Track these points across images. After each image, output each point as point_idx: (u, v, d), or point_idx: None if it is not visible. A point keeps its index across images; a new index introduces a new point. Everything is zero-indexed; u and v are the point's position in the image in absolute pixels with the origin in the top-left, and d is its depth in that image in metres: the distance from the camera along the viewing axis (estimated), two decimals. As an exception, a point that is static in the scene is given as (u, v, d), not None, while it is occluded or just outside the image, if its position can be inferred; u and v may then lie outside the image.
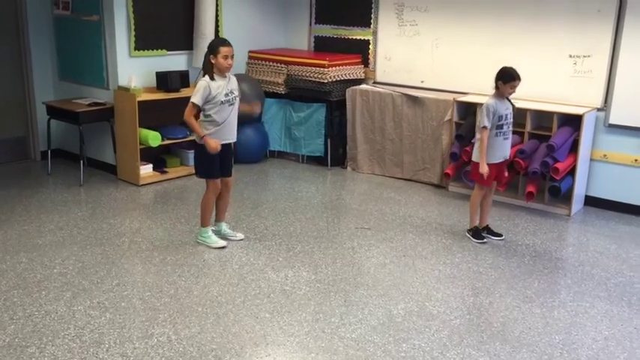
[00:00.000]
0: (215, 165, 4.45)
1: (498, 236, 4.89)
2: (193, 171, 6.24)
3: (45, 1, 6.38)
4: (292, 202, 5.63)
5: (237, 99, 4.44)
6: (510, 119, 4.64)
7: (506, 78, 4.50)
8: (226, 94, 4.34)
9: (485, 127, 4.53)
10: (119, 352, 3.22)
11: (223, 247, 4.53)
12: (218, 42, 4.34)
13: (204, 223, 4.60)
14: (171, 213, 5.25)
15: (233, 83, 4.43)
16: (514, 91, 4.57)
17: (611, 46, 5.35)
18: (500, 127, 4.60)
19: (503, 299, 3.93)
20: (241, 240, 4.71)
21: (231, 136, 4.47)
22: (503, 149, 4.69)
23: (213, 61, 4.27)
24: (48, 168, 6.23)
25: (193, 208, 5.36)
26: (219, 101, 4.30)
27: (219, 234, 4.67)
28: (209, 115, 4.33)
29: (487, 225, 4.92)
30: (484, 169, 4.56)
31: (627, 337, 3.53)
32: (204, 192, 4.56)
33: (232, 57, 4.30)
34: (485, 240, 4.80)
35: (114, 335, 3.38)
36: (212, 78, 4.29)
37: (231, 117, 4.41)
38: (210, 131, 4.36)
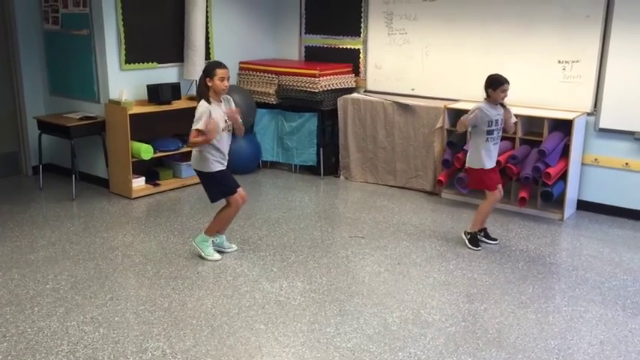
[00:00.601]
0: (230, 179, 4.43)
1: (493, 240, 4.91)
2: (186, 183, 6.33)
3: (35, 16, 6.38)
4: (285, 212, 5.63)
5: (231, 126, 4.41)
6: (501, 125, 4.66)
7: (495, 84, 4.54)
8: (225, 121, 4.32)
9: (471, 126, 4.66)
10: (113, 368, 3.20)
11: (216, 261, 4.51)
12: (214, 65, 4.29)
13: (209, 231, 4.56)
14: (164, 225, 5.23)
15: (226, 105, 4.37)
16: (506, 95, 4.58)
17: (600, 51, 5.40)
18: (491, 132, 4.62)
19: (498, 305, 3.93)
20: (235, 251, 4.70)
21: (228, 159, 4.47)
22: (492, 155, 4.70)
23: (209, 84, 4.24)
24: (40, 183, 6.21)
25: (186, 220, 5.34)
26: (219, 128, 4.27)
27: (217, 245, 4.64)
28: (215, 145, 4.30)
29: (485, 228, 4.94)
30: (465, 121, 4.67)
31: (622, 341, 3.53)
32: (226, 207, 4.50)
33: (228, 79, 4.29)
34: (480, 248, 4.79)
35: (108, 350, 3.36)
36: (209, 102, 4.25)
37: (229, 142, 4.43)
38: (215, 157, 4.34)
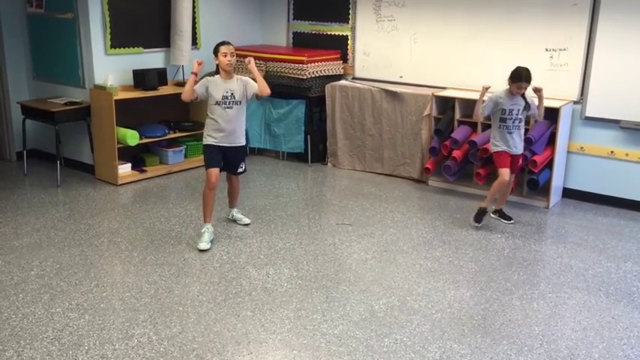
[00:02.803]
0: (212, 157, 4.56)
1: (508, 220, 5.11)
2: (173, 169, 6.29)
3: (17, -1, 6.28)
4: (273, 199, 5.62)
5: (238, 104, 4.51)
6: (517, 115, 4.77)
7: (515, 78, 4.67)
8: (223, 96, 4.47)
9: (483, 114, 4.83)
10: (99, 354, 3.19)
11: (204, 251, 4.46)
12: (218, 43, 4.52)
13: (203, 218, 4.65)
14: (150, 212, 5.20)
15: (238, 84, 4.52)
16: (521, 92, 4.71)
17: (587, 39, 5.41)
18: (504, 120, 4.76)
19: (484, 292, 3.96)
20: (247, 225, 4.93)
21: (233, 140, 4.57)
22: (509, 142, 4.83)
23: (216, 62, 4.50)
24: (24, 169, 6.14)
25: (173, 207, 5.32)
26: (214, 100, 4.46)
27: (231, 218, 4.99)
28: (211, 117, 4.52)
29: (501, 209, 5.14)
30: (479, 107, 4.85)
31: (605, 327, 3.58)
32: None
33: (232, 54, 4.46)
34: (478, 224, 4.96)
35: (93, 337, 3.34)
36: (216, 77, 4.53)
37: (231, 120, 4.51)
38: (208, 130, 4.56)
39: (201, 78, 4.62)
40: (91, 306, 3.66)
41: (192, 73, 4.47)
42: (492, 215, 5.13)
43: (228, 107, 4.48)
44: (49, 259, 4.27)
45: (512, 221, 5.08)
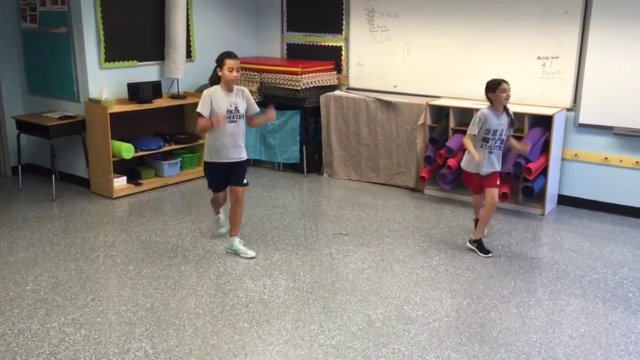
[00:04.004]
0: (215, 179, 4.58)
1: (487, 253, 4.66)
2: (169, 182, 6.29)
3: (12, 15, 6.28)
4: (269, 210, 5.61)
5: (241, 118, 4.40)
6: (500, 136, 4.48)
7: (493, 86, 4.44)
8: (228, 110, 4.32)
9: (470, 134, 4.47)
10: (95, 369, 3.17)
11: (252, 258, 4.53)
12: (225, 54, 4.35)
13: (232, 232, 4.62)
14: (146, 225, 5.19)
15: (239, 97, 4.40)
16: (508, 94, 4.42)
17: (579, 47, 5.45)
18: (486, 140, 4.48)
19: (481, 300, 3.95)
20: (252, 258, 4.53)
21: (235, 154, 4.44)
22: (486, 162, 4.51)
23: (219, 74, 4.33)
24: (19, 183, 6.13)
25: (169, 220, 5.31)
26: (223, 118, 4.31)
27: (230, 249, 4.60)
28: (214, 131, 4.37)
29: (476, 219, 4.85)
30: (475, 155, 4.42)
31: (603, 334, 3.58)
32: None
33: (238, 69, 4.31)
34: (490, 254, 4.58)
35: (90, 352, 3.32)
36: (216, 89, 4.36)
37: (233, 134, 4.38)
38: (209, 148, 4.47)
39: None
40: (87, 320, 3.64)
41: (208, 119, 4.29)
42: (469, 244, 4.73)
43: (232, 121, 4.35)
44: (44, 274, 4.25)
45: (490, 255, 4.62)
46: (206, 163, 4.53)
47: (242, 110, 4.42)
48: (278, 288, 4.09)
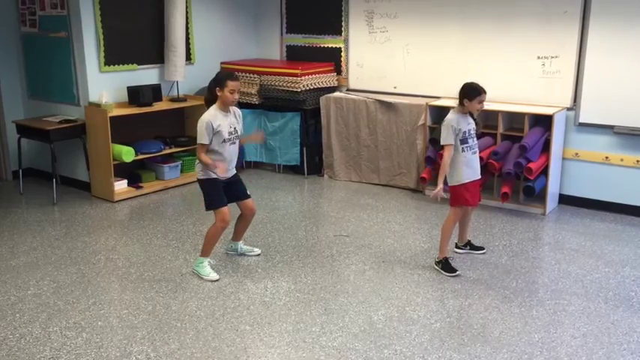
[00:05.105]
0: (220, 194, 4.23)
1: (480, 250, 4.66)
2: (169, 185, 6.29)
3: (11, 19, 6.30)
4: (270, 212, 5.61)
5: (238, 138, 4.30)
6: (474, 134, 4.27)
7: (472, 94, 4.14)
8: (229, 132, 4.18)
9: (449, 145, 4.19)
10: (97, 373, 3.17)
11: (216, 281, 4.22)
12: (226, 75, 4.18)
13: (203, 253, 4.33)
14: (147, 228, 5.19)
15: (235, 117, 4.28)
16: (483, 107, 4.22)
17: (578, 46, 5.45)
18: (465, 141, 4.22)
19: (482, 300, 3.95)
20: (257, 255, 4.61)
21: (232, 171, 4.32)
22: (473, 164, 4.30)
23: (219, 94, 4.12)
24: (20, 187, 6.13)
25: (170, 223, 5.31)
26: (221, 139, 4.13)
27: (235, 252, 4.59)
28: (214, 151, 4.15)
29: (469, 240, 4.69)
30: (438, 190, 4.18)
31: (605, 333, 3.57)
32: (213, 224, 4.28)
33: (239, 92, 4.19)
34: (457, 272, 4.29)
35: (91, 356, 3.32)
36: (213, 110, 4.14)
37: (233, 155, 4.29)
38: (218, 171, 4.21)
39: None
40: (88, 324, 3.64)
41: (213, 162, 4.11)
42: (459, 250, 4.63)
43: (232, 143, 4.24)
44: (45, 278, 4.25)
45: (484, 251, 4.64)
46: (209, 180, 4.21)
47: (239, 131, 4.31)
48: (279, 290, 4.08)
